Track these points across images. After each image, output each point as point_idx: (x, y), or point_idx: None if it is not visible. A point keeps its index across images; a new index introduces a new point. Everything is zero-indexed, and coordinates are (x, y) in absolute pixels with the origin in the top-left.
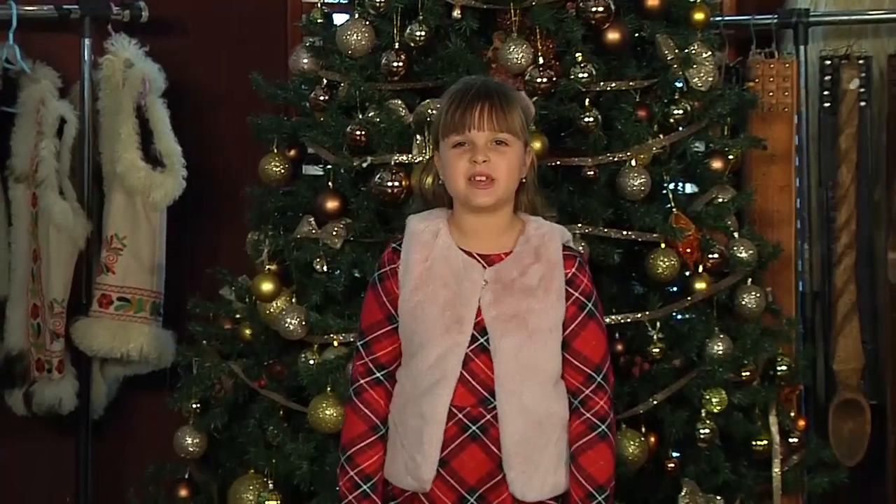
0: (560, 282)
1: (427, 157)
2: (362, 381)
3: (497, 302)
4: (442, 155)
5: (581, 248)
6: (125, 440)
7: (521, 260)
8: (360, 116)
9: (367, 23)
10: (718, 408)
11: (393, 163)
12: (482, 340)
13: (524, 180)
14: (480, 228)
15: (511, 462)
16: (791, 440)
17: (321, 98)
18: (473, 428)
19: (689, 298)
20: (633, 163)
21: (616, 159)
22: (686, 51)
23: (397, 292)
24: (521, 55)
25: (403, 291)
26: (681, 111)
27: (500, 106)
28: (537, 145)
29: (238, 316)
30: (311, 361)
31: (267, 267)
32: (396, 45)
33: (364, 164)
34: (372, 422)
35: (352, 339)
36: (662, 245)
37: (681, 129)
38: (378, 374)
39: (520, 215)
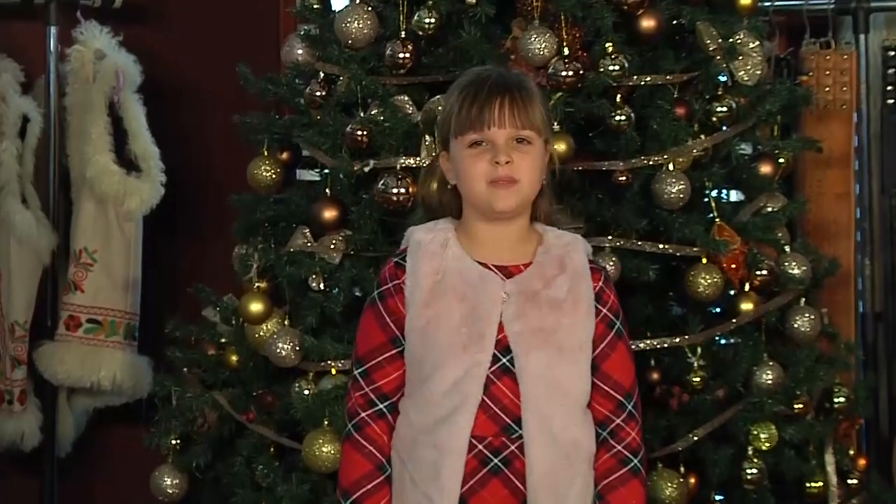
0: (589, 295)
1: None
2: (364, 415)
3: (521, 315)
4: (454, 156)
5: (611, 263)
6: (95, 480)
7: (545, 271)
8: (362, 114)
9: (370, 9)
10: (767, 444)
11: (398, 167)
12: (504, 360)
13: (543, 184)
14: (495, 238)
15: (538, 498)
16: (850, 481)
17: (318, 94)
18: (495, 461)
19: (733, 321)
20: (671, 167)
21: (651, 163)
22: (731, 40)
23: (403, 311)
24: (543, 45)
25: (412, 309)
26: (724, 109)
27: (521, 99)
28: (562, 147)
29: (223, 340)
30: (306, 392)
31: (256, 285)
32: (403, 34)
33: (366, 169)
34: (377, 460)
35: (351, 365)
36: (704, 260)
37: (724, 128)
38: (381, 406)
39: (535, 225)
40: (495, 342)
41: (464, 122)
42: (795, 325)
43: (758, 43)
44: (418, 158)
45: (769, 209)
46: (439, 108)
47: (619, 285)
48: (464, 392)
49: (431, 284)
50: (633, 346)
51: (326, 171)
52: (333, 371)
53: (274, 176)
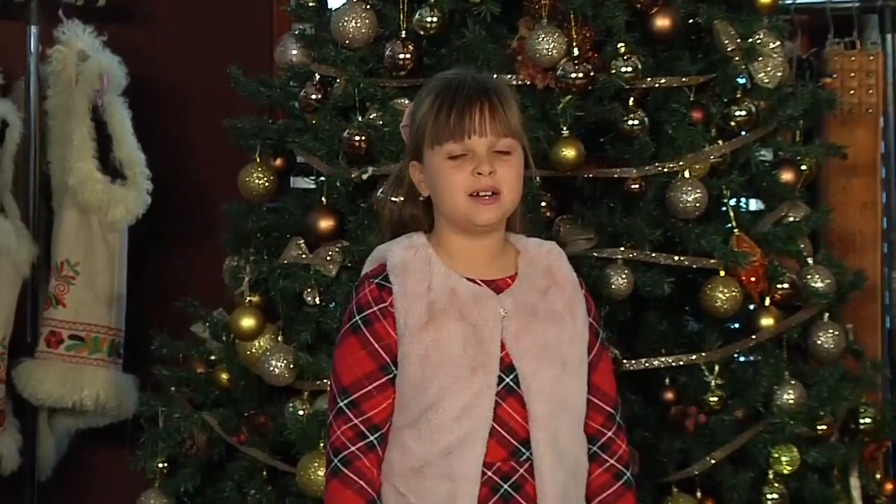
0: (582, 305)
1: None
2: (353, 448)
3: (525, 332)
4: (429, 167)
5: (624, 276)
6: None
7: (535, 283)
8: (360, 119)
9: (368, 7)
10: (789, 468)
11: None
12: (508, 380)
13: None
14: (474, 252)
15: None
16: None
17: (313, 97)
18: (505, 486)
19: (753, 337)
20: (687, 174)
21: (666, 170)
22: (750, 40)
23: (394, 336)
24: (552, 46)
25: (407, 333)
26: (743, 112)
27: (500, 105)
28: (572, 153)
29: (213, 357)
30: (301, 412)
31: (248, 299)
32: (403, 34)
33: (364, 176)
34: (369, 496)
35: (330, 396)
36: (722, 273)
37: (743, 133)
38: (371, 438)
39: (507, 236)
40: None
41: (442, 131)
42: (818, 342)
43: (779, 43)
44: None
45: (791, 219)
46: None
47: (633, 299)
48: (474, 417)
49: (426, 305)
50: (647, 364)
51: (322, 178)
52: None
53: (267, 184)
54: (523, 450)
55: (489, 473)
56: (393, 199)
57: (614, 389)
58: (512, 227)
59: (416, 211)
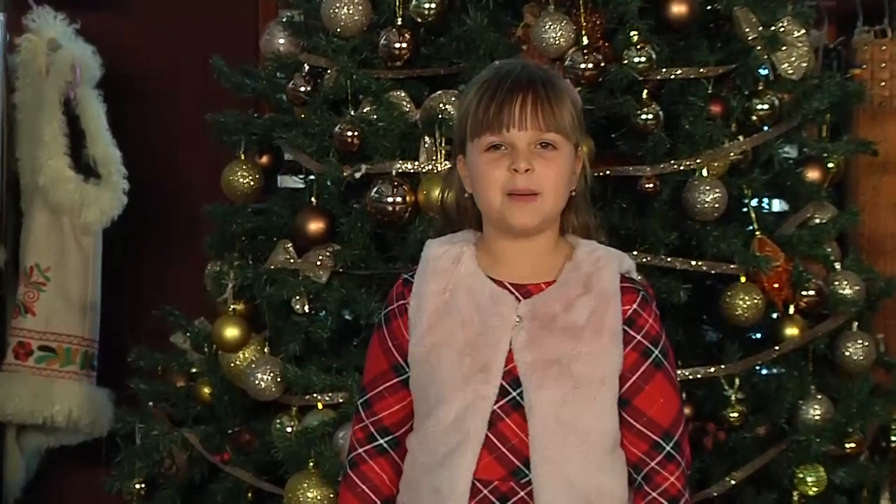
0: (615, 319)
1: (442, 163)
2: (361, 450)
3: (534, 344)
4: (470, 161)
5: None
6: None
7: (567, 291)
8: (353, 113)
9: None
10: (815, 489)
11: (394, 172)
12: (514, 394)
13: (573, 193)
14: (517, 254)
15: None
16: None
17: (302, 89)
18: None
19: (776, 348)
20: (705, 172)
21: (682, 168)
22: (773, 28)
23: (406, 335)
24: (559, 34)
25: (415, 333)
26: (766, 106)
27: (546, 98)
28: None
29: (194, 370)
30: (289, 429)
31: (231, 307)
32: (399, 21)
33: (357, 175)
34: (372, 501)
35: (340, 401)
36: (742, 279)
37: (766, 129)
38: (381, 441)
39: (567, 238)
40: (503, 373)
41: (480, 123)
42: (847, 353)
43: (804, 31)
44: (417, 163)
45: (817, 221)
46: (441, 105)
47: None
48: (465, 429)
49: (437, 305)
50: None
51: (312, 177)
52: (320, 405)
53: (252, 183)
54: (526, 471)
55: (485, 491)
56: (445, 198)
57: (668, 417)
58: (571, 229)
59: (466, 207)
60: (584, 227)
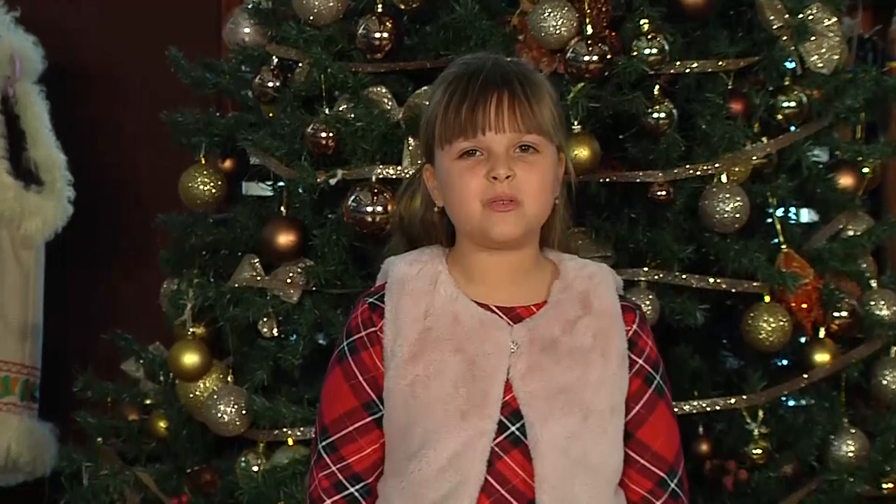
0: (621, 342)
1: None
2: (328, 501)
3: (535, 371)
4: (439, 169)
5: (647, 302)
6: None
7: (563, 312)
8: (327, 111)
9: None
10: None
11: (374, 178)
12: (514, 429)
13: (556, 202)
14: (497, 271)
15: None
16: None
17: (270, 84)
18: None
19: (805, 376)
20: (724, 178)
21: (699, 173)
22: (800, 17)
23: (381, 368)
24: (560, 22)
25: (393, 364)
26: (793, 104)
27: (524, 95)
28: (584, 153)
29: (148, 402)
30: (255, 468)
31: (191, 330)
32: (380, 8)
33: (332, 181)
34: None
35: (313, 435)
36: (767, 298)
37: (793, 129)
38: (352, 490)
39: (547, 253)
40: (502, 405)
41: (452, 127)
42: (884, 382)
43: (835, 20)
44: (399, 168)
45: (850, 233)
46: (426, 103)
47: (659, 331)
48: (463, 470)
49: (419, 332)
50: (675, 410)
51: (281, 183)
52: (290, 441)
53: (213, 190)
54: None
55: None
56: (404, 209)
57: (672, 451)
58: (552, 241)
59: (434, 221)
60: (564, 238)
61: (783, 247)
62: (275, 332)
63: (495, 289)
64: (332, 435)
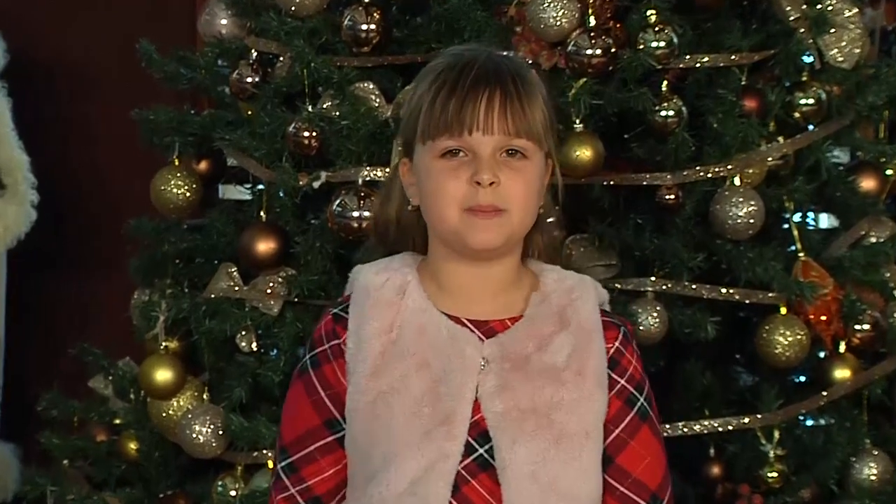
0: (600, 360)
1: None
2: None
3: (505, 390)
4: (419, 167)
5: (655, 314)
6: None
7: (538, 327)
8: (310, 109)
9: None
10: None
11: (361, 181)
12: (482, 451)
13: (541, 210)
14: (473, 283)
15: None
16: None
17: (248, 80)
18: None
19: (824, 394)
20: (737, 181)
21: (710, 175)
22: (819, 7)
23: (344, 383)
24: (561, 13)
25: (354, 380)
26: (811, 101)
27: (517, 95)
28: (587, 154)
29: (118, 422)
30: (233, 492)
31: (163, 344)
32: None
33: (316, 184)
34: None
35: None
36: (783, 310)
37: (811, 128)
38: None
39: (528, 264)
40: (469, 426)
41: (437, 122)
42: None
43: (856, 10)
44: (387, 170)
45: (873, 240)
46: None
47: (668, 345)
48: (425, 495)
49: (383, 346)
50: (686, 430)
51: (261, 186)
52: (270, 464)
53: (188, 193)
54: None
55: None
56: (383, 211)
57: (655, 478)
58: (533, 251)
59: (408, 224)
60: (550, 248)
61: (801, 255)
62: (254, 346)
63: (469, 301)
64: (292, 455)
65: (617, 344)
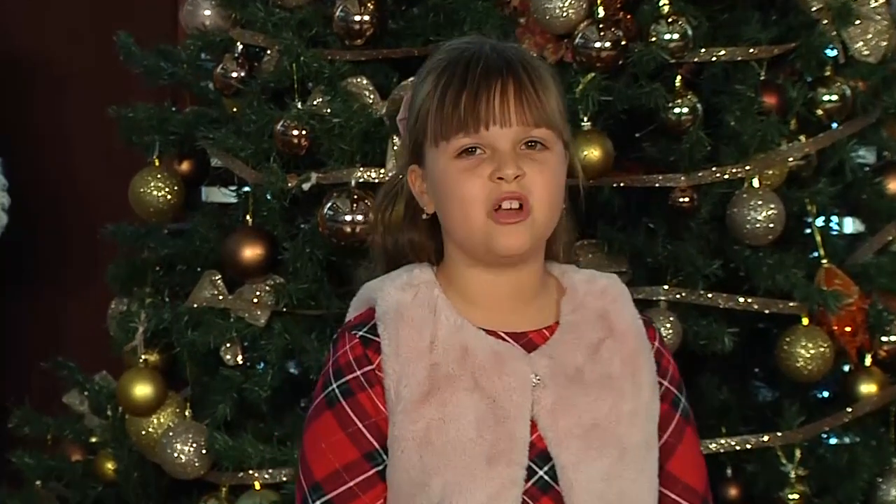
0: (651, 366)
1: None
2: None
3: (566, 405)
4: (433, 172)
5: (668, 324)
6: None
7: (582, 334)
8: (300, 106)
9: None
10: None
11: (354, 183)
12: (542, 473)
13: (564, 205)
14: (499, 292)
15: None
16: None
17: (234, 75)
18: None
19: (849, 410)
20: (756, 182)
21: (727, 177)
22: None
23: (384, 411)
24: (567, 4)
25: (400, 408)
26: (834, 97)
27: (531, 84)
28: (595, 154)
29: (94, 440)
30: None
31: (142, 357)
32: None
33: (306, 186)
34: None
35: (284, 479)
36: (805, 321)
37: (834, 126)
38: None
39: (550, 268)
40: (529, 447)
41: (449, 121)
42: None
43: (882, 1)
44: (382, 170)
45: None
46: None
47: (682, 358)
48: None
49: (426, 369)
50: (702, 448)
51: (247, 189)
52: (257, 485)
53: (169, 196)
54: None
55: None
56: (385, 219)
57: (703, 480)
58: (554, 254)
59: (418, 235)
60: (568, 248)
61: (824, 261)
62: (239, 359)
63: (499, 312)
64: (328, 492)
65: (656, 343)
